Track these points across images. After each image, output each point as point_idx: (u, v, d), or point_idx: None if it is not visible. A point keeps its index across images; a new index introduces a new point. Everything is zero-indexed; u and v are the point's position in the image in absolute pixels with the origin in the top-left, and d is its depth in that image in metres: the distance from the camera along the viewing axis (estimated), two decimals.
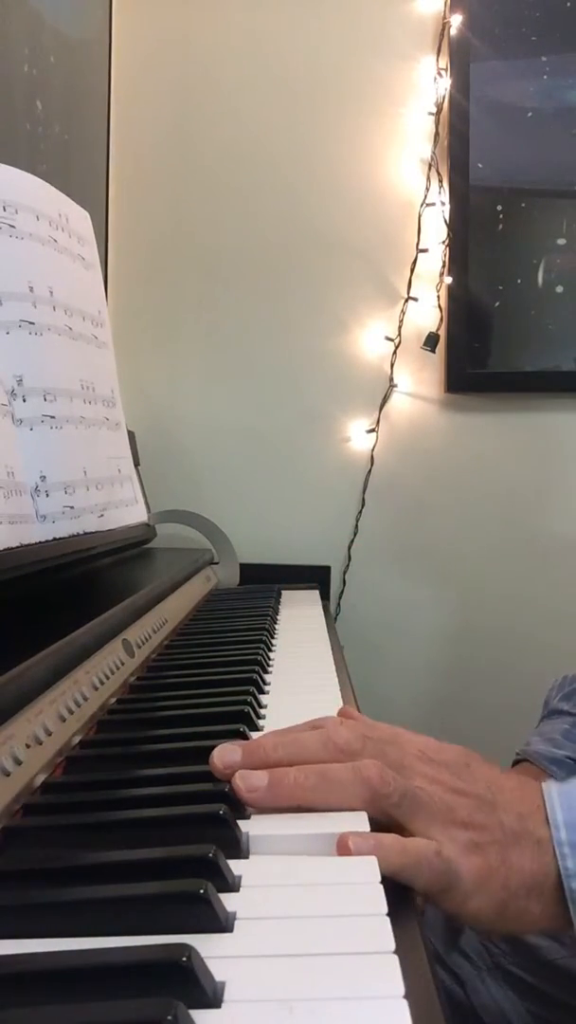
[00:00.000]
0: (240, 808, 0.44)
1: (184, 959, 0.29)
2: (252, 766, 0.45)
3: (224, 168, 1.58)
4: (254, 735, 0.56)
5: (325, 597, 1.34)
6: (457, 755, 0.48)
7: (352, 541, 1.55)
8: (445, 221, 1.53)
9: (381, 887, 0.37)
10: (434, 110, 1.53)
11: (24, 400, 0.77)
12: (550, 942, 0.73)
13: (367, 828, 0.42)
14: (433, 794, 0.44)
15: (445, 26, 1.52)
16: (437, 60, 1.53)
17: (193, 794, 0.45)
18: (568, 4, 1.52)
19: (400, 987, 0.30)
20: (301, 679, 0.75)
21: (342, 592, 1.53)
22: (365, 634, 1.51)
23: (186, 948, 0.30)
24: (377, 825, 0.43)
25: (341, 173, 1.56)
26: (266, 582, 1.32)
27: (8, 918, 0.34)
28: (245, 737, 0.54)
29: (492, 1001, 0.73)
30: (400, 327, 1.54)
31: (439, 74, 1.53)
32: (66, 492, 0.79)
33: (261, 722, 0.61)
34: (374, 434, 1.55)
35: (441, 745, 0.48)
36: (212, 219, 1.58)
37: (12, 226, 0.79)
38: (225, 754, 0.46)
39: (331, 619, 1.17)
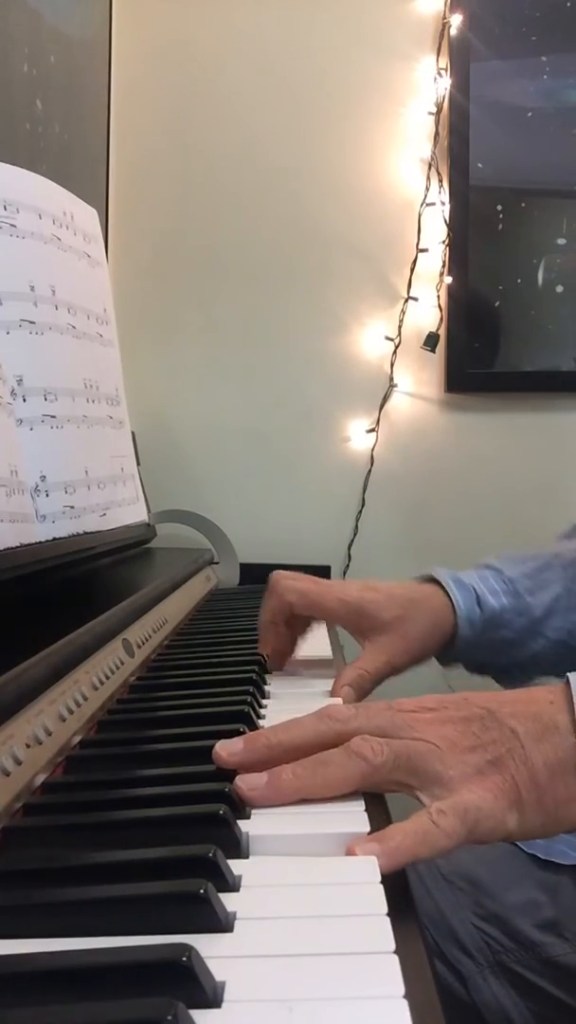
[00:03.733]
0: (240, 808, 0.44)
1: (184, 959, 0.29)
2: (254, 751, 0.46)
3: (224, 168, 1.58)
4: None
5: None
6: (451, 696, 0.49)
7: (352, 541, 1.55)
8: (445, 221, 1.53)
9: (381, 887, 0.37)
10: (434, 110, 1.53)
11: (24, 400, 0.77)
12: (552, 939, 0.73)
13: (366, 825, 0.42)
14: (432, 737, 0.44)
15: (445, 26, 1.52)
16: (437, 60, 1.53)
17: (193, 794, 0.45)
18: (568, 4, 1.52)
19: (400, 987, 0.30)
20: (301, 679, 0.75)
21: None
22: None
23: (186, 948, 0.30)
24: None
25: (341, 173, 1.56)
26: (266, 582, 1.32)
27: (8, 918, 0.34)
28: None
29: (493, 999, 0.73)
30: (400, 327, 1.54)
31: (439, 74, 1.53)
32: (66, 492, 0.79)
33: (261, 722, 0.61)
34: (374, 434, 1.55)
35: (445, 695, 0.50)
36: (212, 219, 1.58)
37: (13, 225, 0.79)
38: (228, 744, 0.47)
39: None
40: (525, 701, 0.47)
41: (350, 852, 0.40)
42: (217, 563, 1.35)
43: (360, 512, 1.55)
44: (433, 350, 1.53)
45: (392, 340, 1.54)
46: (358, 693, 0.68)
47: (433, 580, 0.77)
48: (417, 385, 1.56)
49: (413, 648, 0.73)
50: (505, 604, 0.77)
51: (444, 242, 1.53)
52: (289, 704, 0.66)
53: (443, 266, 1.54)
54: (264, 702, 0.66)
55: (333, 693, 0.68)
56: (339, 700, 0.66)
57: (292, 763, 0.45)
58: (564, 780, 0.43)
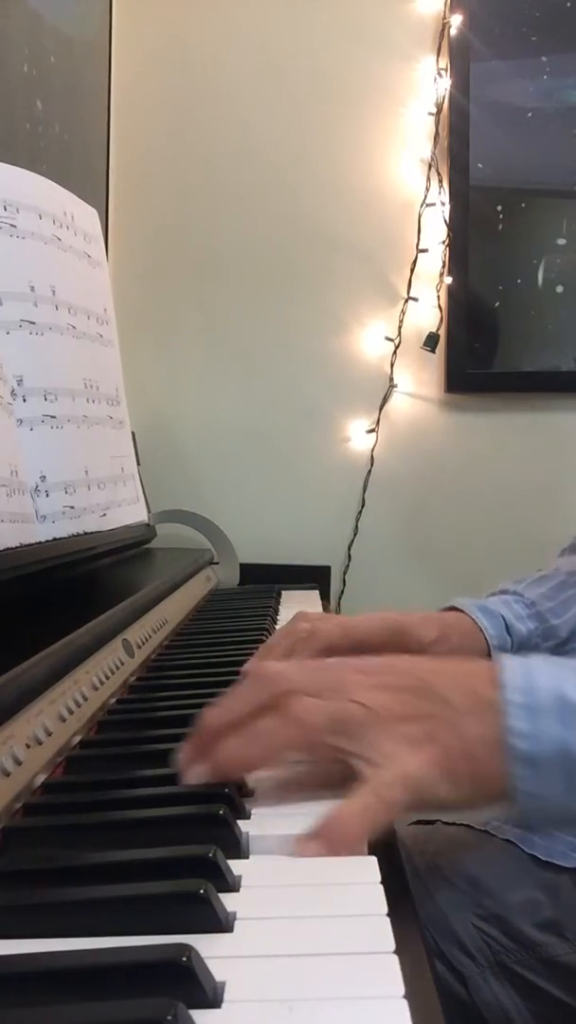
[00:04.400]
0: (240, 808, 0.44)
1: (184, 959, 0.29)
2: (202, 744, 0.46)
3: (224, 168, 1.58)
4: None
5: (325, 597, 1.33)
6: (392, 658, 0.49)
7: (352, 541, 1.55)
8: (445, 221, 1.53)
9: (381, 887, 0.37)
10: (434, 110, 1.53)
11: (24, 400, 0.77)
12: (553, 939, 0.73)
13: None
14: (368, 701, 0.44)
15: (445, 26, 1.52)
16: (437, 60, 1.53)
17: (193, 794, 0.45)
18: (568, 4, 1.52)
19: (400, 987, 0.30)
20: None
21: (342, 592, 1.53)
22: None
23: (186, 948, 0.30)
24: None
25: (341, 173, 1.56)
26: (266, 582, 1.32)
27: (8, 918, 0.34)
28: None
29: (494, 999, 0.73)
30: (400, 327, 1.54)
31: (439, 74, 1.53)
32: (66, 492, 0.79)
33: None
34: (374, 434, 1.55)
35: (379, 657, 0.49)
36: (212, 219, 1.58)
37: (13, 226, 0.79)
38: (183, 752, 0.47)
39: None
40: (463, 674, 0.47)
41: (300, 855, 0.40)
42: (217, 563, 1.35)
43: (360, 512, 1.55)
44: (433, 350, 1.53)
45: (392, 340, 1.54)
46: None
47: (455, 610, 0.77)
48: (417, 385, 1.56)
49: None
50: (532, 628, 0.77)
51: (444, 242, 1.53)
52: None
53: (443, 266, 1.54)
54: None
55: None
56: None
57: (230, 739, 0.45)
58: (493, 754, 0.44)
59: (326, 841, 0.40)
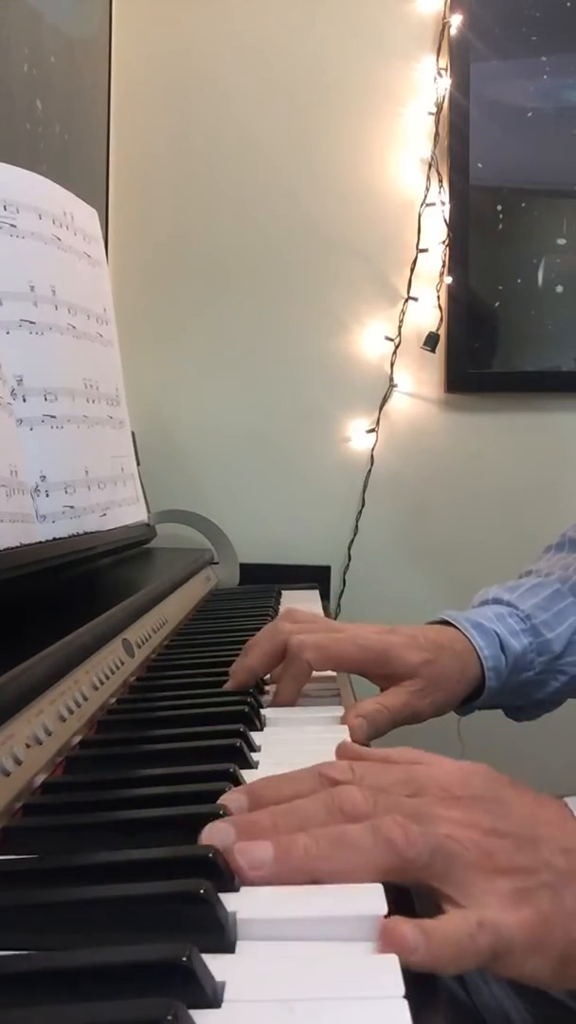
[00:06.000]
0: None
1: (184, 959, 0.29)
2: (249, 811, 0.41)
3: (224, 168, 1.58)
4: (254, 735, 0.56)
5: (325, 597, 1.33)
6: (486, 785, 0.42)
7: (352, 541, 1.55)
8: (445, 221, 1.53)
9: (381, 887, 0.37)
10: (434, 110, 1.53)
11: (24, 400, 0.77)
12: None
13: None
14: (465, 841, 0.38)
15: (445, 26, 1.52)
16: (437, 60, 1.53)
17: (193, 794, 0.45)
18: (568, 4, 1.52)
19: (400, 987, 0.30)
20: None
21: (342, 592, 1.53)
22: None
23: (186, 948, 0.30)
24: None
25: (341, 173, 1.56)
26: (266, 582, 1.32)
27: (8, 918, 0.34)
28: (244, 737, 0.54)
29: (494, 1001, 0.73)
30: (400, 327, 1.54)
31: (439, 74, 1.53)
32: (66, 492, 0.79)
33: (260, 722, 0.61)
34: (374, 434, 1.55)
35: (465, 773, 0.43)
36: (212, 219, 1.58)
37: (13, 225, 0.79)
38: (216, 835, 0.38)
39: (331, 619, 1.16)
40: (563, 830, 0.41)
41: (395, 935, 0.33)
42: (217, 563, 1.35)
43: (360, 512, 1.55)
44: (433, 350, 1.53)
45: (392, 340, 1.54)
46: (371, 727, 0.63)
47: (446, 623, 0.74)
48: (417, 385, 1.56)
49: (439, 696, 0.68)
50: (526, 644, 0.75)
51: (444, 242, 1.53)
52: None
53: (443, 266, 1.54)
54: (264, 701, 0.66)
55: (346, 721, 0.62)
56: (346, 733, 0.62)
57: (305, 833, 0.38)
58: None
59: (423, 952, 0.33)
